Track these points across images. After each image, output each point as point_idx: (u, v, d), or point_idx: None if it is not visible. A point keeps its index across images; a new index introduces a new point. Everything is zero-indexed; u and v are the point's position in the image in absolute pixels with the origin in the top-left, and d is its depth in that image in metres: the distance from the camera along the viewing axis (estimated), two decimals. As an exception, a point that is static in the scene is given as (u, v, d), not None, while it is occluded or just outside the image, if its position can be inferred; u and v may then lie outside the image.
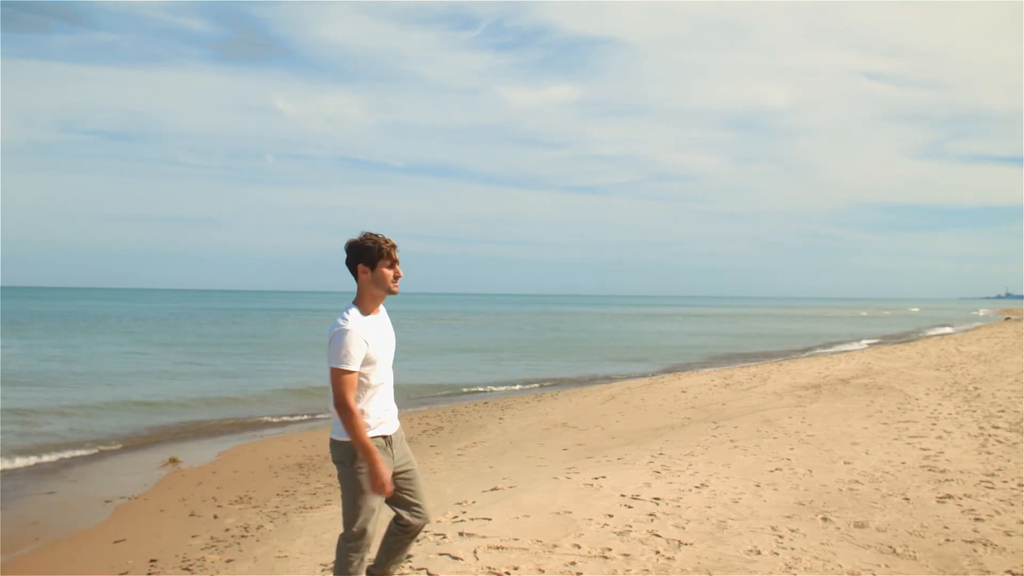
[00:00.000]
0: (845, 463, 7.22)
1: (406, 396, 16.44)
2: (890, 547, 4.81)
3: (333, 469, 8.91)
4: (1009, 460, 7.16)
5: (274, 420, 13.33)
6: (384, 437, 3.40)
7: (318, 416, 13.76)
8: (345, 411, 3.21)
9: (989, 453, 7.49)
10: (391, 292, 3.39)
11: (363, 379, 3.29)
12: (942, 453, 7.55)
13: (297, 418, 13.57)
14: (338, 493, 7.55)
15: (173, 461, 9.62)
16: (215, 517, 6.87)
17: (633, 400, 13.54)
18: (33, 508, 7.60)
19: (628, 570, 4.45)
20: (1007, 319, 55.20)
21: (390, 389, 3.47)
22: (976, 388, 12.62)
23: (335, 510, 6.62)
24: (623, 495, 6.12)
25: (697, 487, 6.40)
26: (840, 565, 4.51)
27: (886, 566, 4.50)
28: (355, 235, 3.40)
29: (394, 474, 3.46)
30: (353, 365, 3.21)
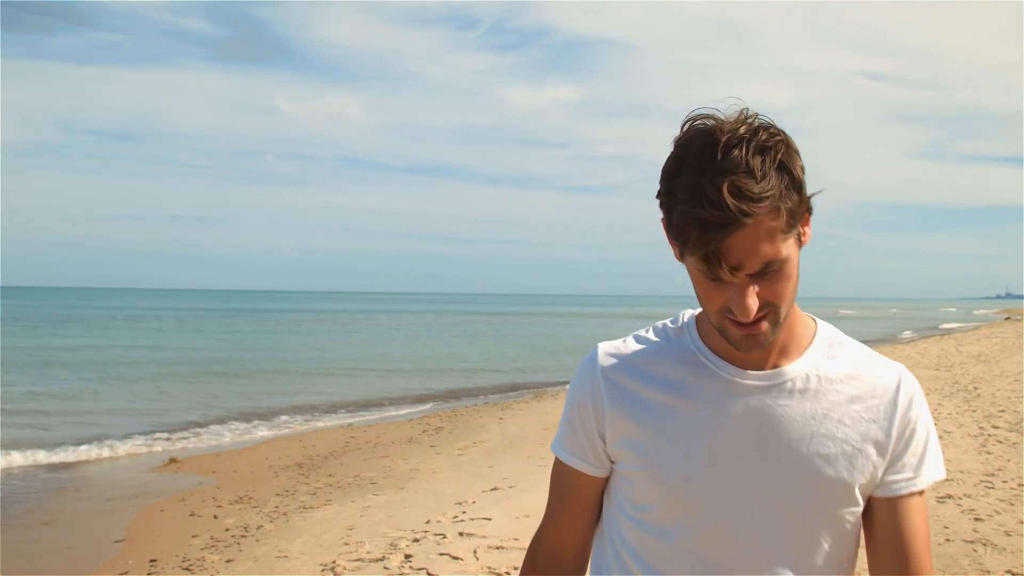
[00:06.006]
0: (845, 463, 7.22)
1: (407, 396, 16.45)
2: (890, 547, 4.80)
3: (333, 469, 8.99)
4: (1009, 460, 7.16)
5: (274, 420, 13.32)
6: None
7: (317, 416, 13.76)
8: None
9: (989, 453, 7.50)
10: (727, 337, 1.14)
11: (625, 512, 1.24)
12: (942, 453, 7.55)
13: (297, 418, 13.57)
14: (338, 492, 7.55)
15: (173, 461, 9.62)
16: (215, 517, 6.87)
17: (633, 400, 13.52)
18: (33, 508, 7.61)
19: (628, 570, 4.45)
20: (1007, 319, 55.17)
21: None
22: (976, 388, 12.62)
23: (335, 510, 6.62)
24: (623, 495, 6.11)
25: (697, 487, 6.39)
26: (840, 565, 4.50)
27: (886, 566, 4.50)
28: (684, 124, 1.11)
29: None
30: (561, 449, 1.29)
